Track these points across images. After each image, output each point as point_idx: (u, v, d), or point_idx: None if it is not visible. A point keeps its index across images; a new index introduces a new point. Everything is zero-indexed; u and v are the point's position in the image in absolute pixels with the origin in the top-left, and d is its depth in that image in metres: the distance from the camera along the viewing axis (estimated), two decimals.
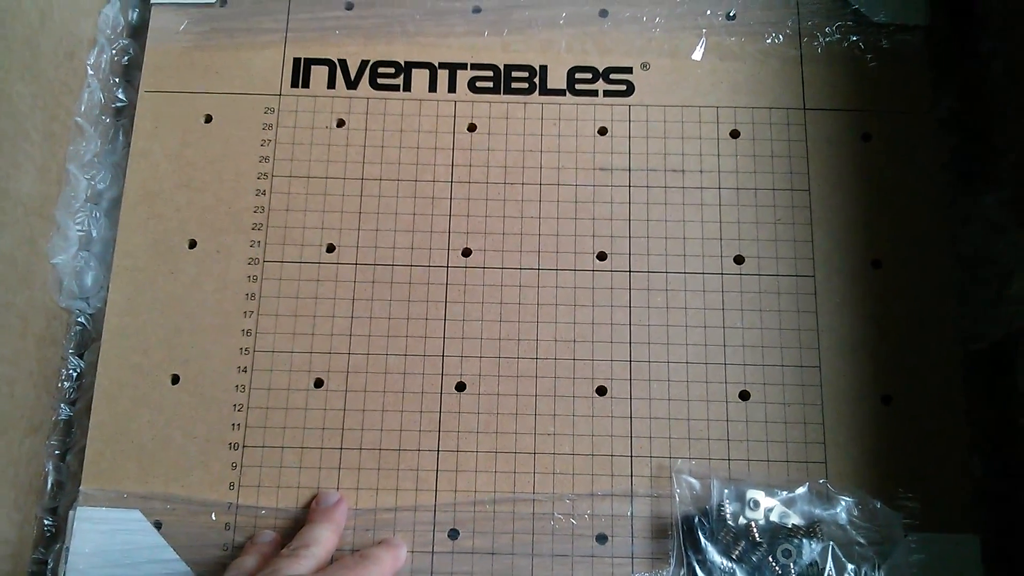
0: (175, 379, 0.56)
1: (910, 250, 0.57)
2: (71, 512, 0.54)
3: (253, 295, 0.57)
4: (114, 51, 0.61)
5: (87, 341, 0.59)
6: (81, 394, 0.58)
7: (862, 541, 0.52)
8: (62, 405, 0.57)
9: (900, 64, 0.60)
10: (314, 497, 0.54)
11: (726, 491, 0.53)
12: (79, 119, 0.58)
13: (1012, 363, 0.56)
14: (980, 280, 0.58)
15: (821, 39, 0.61)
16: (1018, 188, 0.57)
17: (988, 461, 0.56)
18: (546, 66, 0.61)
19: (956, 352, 0.56)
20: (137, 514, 0.54)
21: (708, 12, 0.61)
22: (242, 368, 0.56)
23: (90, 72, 0.60)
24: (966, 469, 0.54)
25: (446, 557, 0.53)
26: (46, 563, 0.55)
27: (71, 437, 0.57)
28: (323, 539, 0.50)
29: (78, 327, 0.59)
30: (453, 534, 0.54)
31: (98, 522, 0.54)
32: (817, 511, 0.53)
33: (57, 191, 0.57)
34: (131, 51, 0.62)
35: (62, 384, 0.57)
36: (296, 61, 0.61)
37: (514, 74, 0.61)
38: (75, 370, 0.58)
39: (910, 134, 0.59)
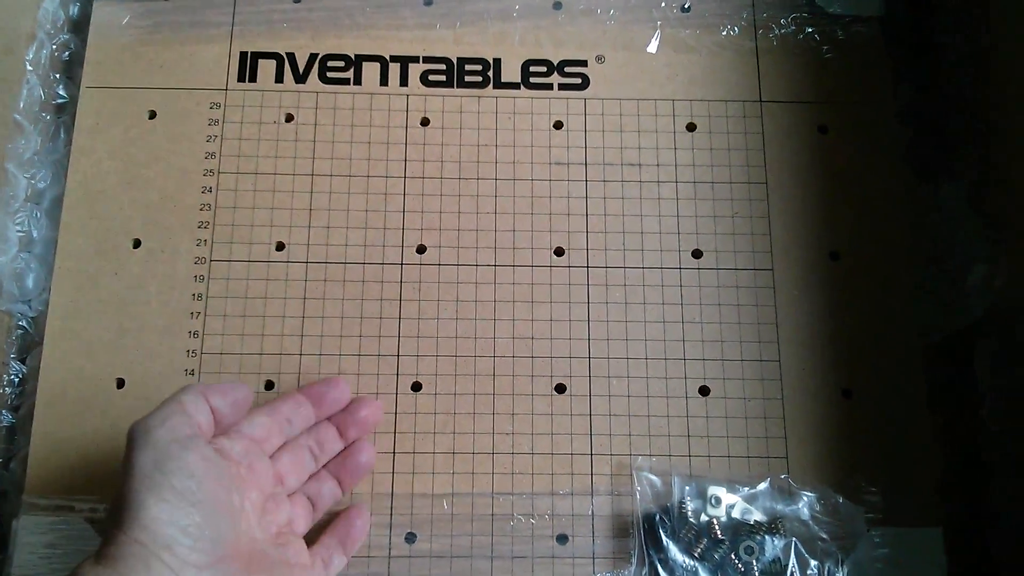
0: (120, 383, 0.54)
1: (868, 242, 0.57)
2: (14, 522, 0.52)
3: (200, 295, 0.56)
4: (54, 46, 0.60)
5: (29, 345, 0.57)
6: (24, 400, 0.56)
7: (825, 536, 0.52)
8: (4, 411, 0.55)
9: (856, 55, 0.60)
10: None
11: (687, 488, 0.53)
12: (18, 116, 0.57)
13: (971, 354, 0.56)
14: (939, 271, 0.58)
15: (776, 31, 0.60)
16: (976, 179, 0.57)
17: (950, 453, 0.56)
18: (500, 59, 0.60)
19: (916, 344, 0.56)
20: (83, 523, 0.52)
21: (663, 5, 0.61)
22: (189, 371, 0.55)
23: (29, 68, 0.58)
24: (928, 462, 0.54)
25: (403, 561, 0.52)
26: None
27: (14, 444, 0.56)
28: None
29: (19, 331, 0.57)
30: (410, 538, 0.53)
31: (42, 532, 0.52)
32: (779, 507, 0.53)
33: None
34: (72, 46, 0.61)
35: (4, 390, 0.56)
36: (243, 55, 0.60)
37: (467, 67, 0.60)
38: (17, 375, 0.56)
39: (867, 125, 0.59)
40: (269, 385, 0.55)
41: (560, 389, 0.55)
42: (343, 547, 0.50)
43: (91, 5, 0.60)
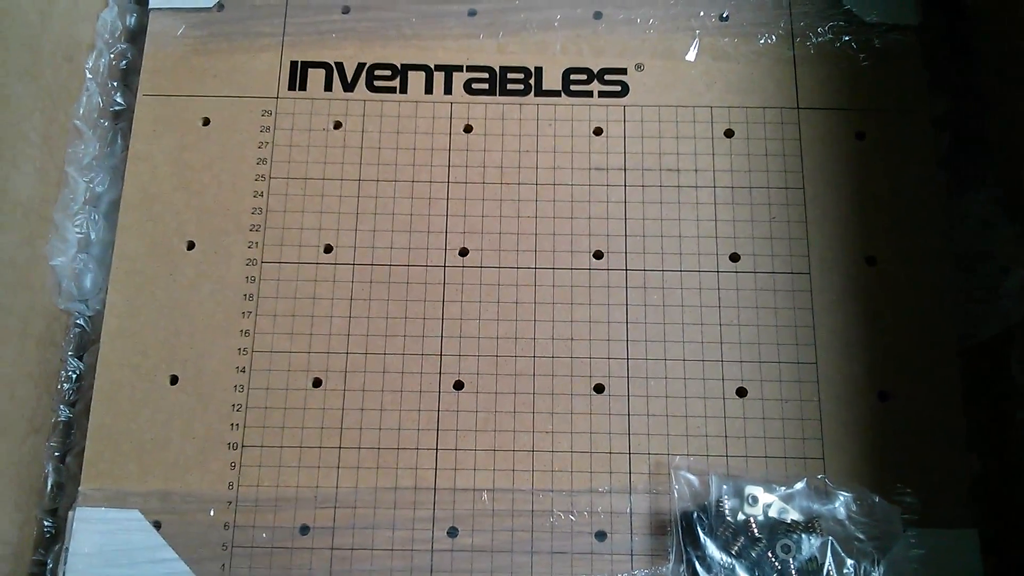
0: (174, 380, 0.56)
1: (904, 247, 0.58)
2: (70, 512, 0.54)
3: (251, 296, 0.58)
4: (112, 55, 0.62)
5: (86, 343, 0.59)
6: (80, 396, 0.58)
7: (861, 536, 0.52)
8: (61, 407, 0.57)
9: (893, 63, 0.61)
10: None
11: (724, 487, 0.53)
12: (78, 122, 0.59)
13: (1008, 358, 0.57)
14: (975, 276, 0.58)
15: (814, 39, 0.61)
16: (1010, 185, 0.58)
17: (985, 455, 0.56)
18: (541, 68, 0.62)
19: (952, 348, 0.56)
20: (136, 514, 0.54)
21: (701, 14, 0.62)
22: (240, 368, 0.56)
23: (88, 76, 0.60)
24: (964, 464, 0.55)
25: (445, 555, 0.53)
26: (45, 564, 0.54)
27: (71, 439, 0.57)
28: None
29: (77, 329, 0.59)
30: (452, 532, 0.54)
31: (97, 522, 0.54)
32: (816, 507, 0.53)
33: (56, 193, 0.57)
34: (129, 55, 0.63)
35: (61, 386, 0.58)
36: (293, 64, 0.62)
37: (510, 76, 0.62)
38: (74, 372, 0.58)
39: (903, 132, 0.60)
40: (317, 382, 0.56)
41: (599, 389, 0.56)
42: None
43: (148, 15, 0.63)
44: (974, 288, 0.58)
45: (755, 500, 0.53)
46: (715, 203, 0.59)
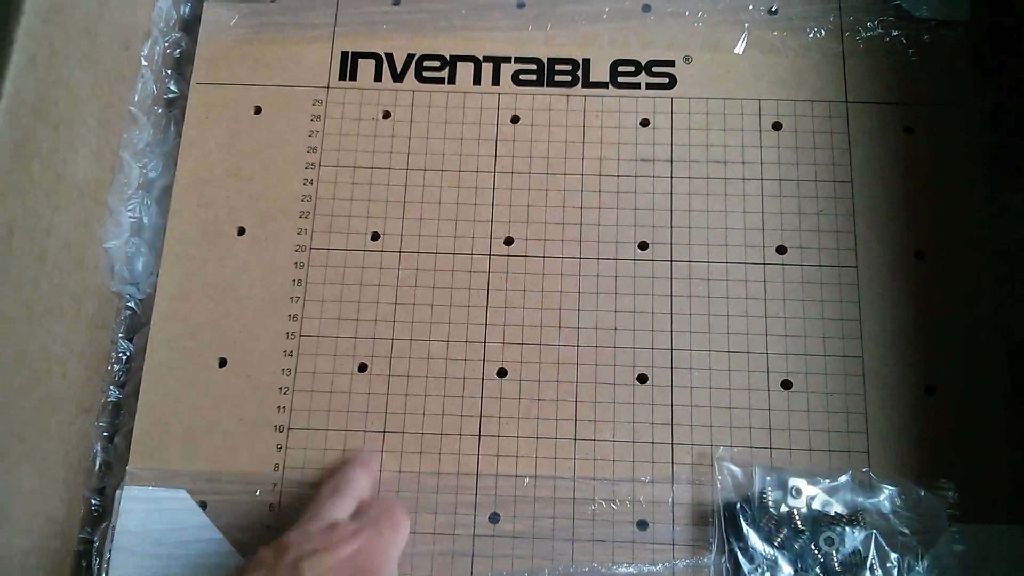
0: (222, 362, 0.57)
1: (952, 241, 0.57)
2: (118, 491, 0.55)
3: (300, 281, 0.58)
4: (167, 43, 0.63)
5: (136, 325, 0.60)
6: (130, 377, 0.59)
7: (905, 530, 0.52)
8: (111, 387, 0.58)
9: (941, 58, 0.60)
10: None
11: (768, 479, 0.53)
12: (133, 108, 0.60)
13: None
14: (1022, 272, 0.58)
15: (863, 33, 0.61)
16: None
17: None
18: (589, 59, 0.62)
19: (999, 343, 0.56)
20: (183, 493, 0.55)
21: (750, 7, 0.62)
22: (288, 352, 0.57)
23: (144, 63, 0.61)
24: (1011, 459, 0.54)
25: (487, 540, 0.54)
26: (92, 541, 0.55)
27: (119, 419, 0.58)
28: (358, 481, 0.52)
29: (128, 311, 0.60)
30: (494, 518, 0.54)
31: (144, 501, 0.55)
32: (859, 500, 0.53)
33: (111, 178, 0.58)
34: (183, 44, 0.64)
35: (112, 367, 0.59)
36: (344, 55, 0.63)
37: (557, 67, 0.62)
38: (124, 353, 0.59)
39: (951, 127, 0.59)
40: (362, 367, 0.57)
41: (642, 379, 0.56)
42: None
43: (201, 5, 0.64)
44: (1021, 283, 0.57)
45: (799, 492, 0.52)
46: (762, 196, 0.59)
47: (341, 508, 0.49)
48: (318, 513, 0.48)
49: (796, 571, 0.51)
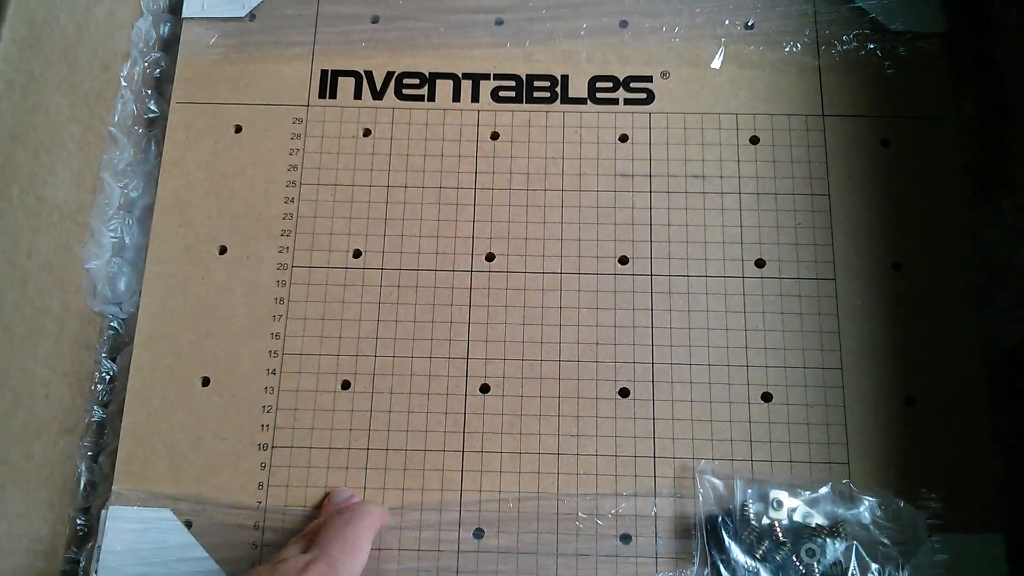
0: (205, 381, 0.57)
1: (930, 253, 0.58)
2: (103, 511, 0.55)
3: (282, 299, 0.58)
4: (146, 64, 0.63)
5: (119, 345, 0.60)
6: (113, 396, 0.59)
7: (886, 541, 0.52)
8: (95, 407, 0.58)
9: (918, 71, 0.61)
10: (326, 495, 0.55)
11: (749, 491, 0.54)
12: (113, 129, 0.60)
13: None
14: (1001, 283, 0.58)
15: (839, 47, 0.61)
16: None
17: (1011, 461, 0.56)
18: (567, 75, 0.62)
19: (978, 353, 0.56)
20: (168, 513, 0.55)
21: (726, 22, 0.62)
22: (271, 370, 0.57)
23: (123, 84, 0.61)
24: (989, 469, 0.55)
25: (471, 556, 0.54)
26: (78, 562, 0.55)
27: (103, 439, 0.58)
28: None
29: (111, 331, 0.60)
30: (478, 533, 0.54)
31: (129, 521, 0.55)
32: (840, 511, 0.53)
33: (91, 199, 0.59)
34: (163, 64, 0.64)
35: (95, 387, 0.59)
36: (323, 73, 0.63)
37: (536, 83, 0.62)
38: (108, 373, 0.59)
39: (929, 140, 0.60)
40: (345, 385, 0.57)
41: (624, 393, 0.57)
42: None
43: (181, 25, 0.64)
44: (1000, 295, 0.58)
45: (780, 504, 0.53)
46: (740, 209, 0.59)
47: (296, 547, 0.49)
48: (274, 558, 0.48)
49: None
